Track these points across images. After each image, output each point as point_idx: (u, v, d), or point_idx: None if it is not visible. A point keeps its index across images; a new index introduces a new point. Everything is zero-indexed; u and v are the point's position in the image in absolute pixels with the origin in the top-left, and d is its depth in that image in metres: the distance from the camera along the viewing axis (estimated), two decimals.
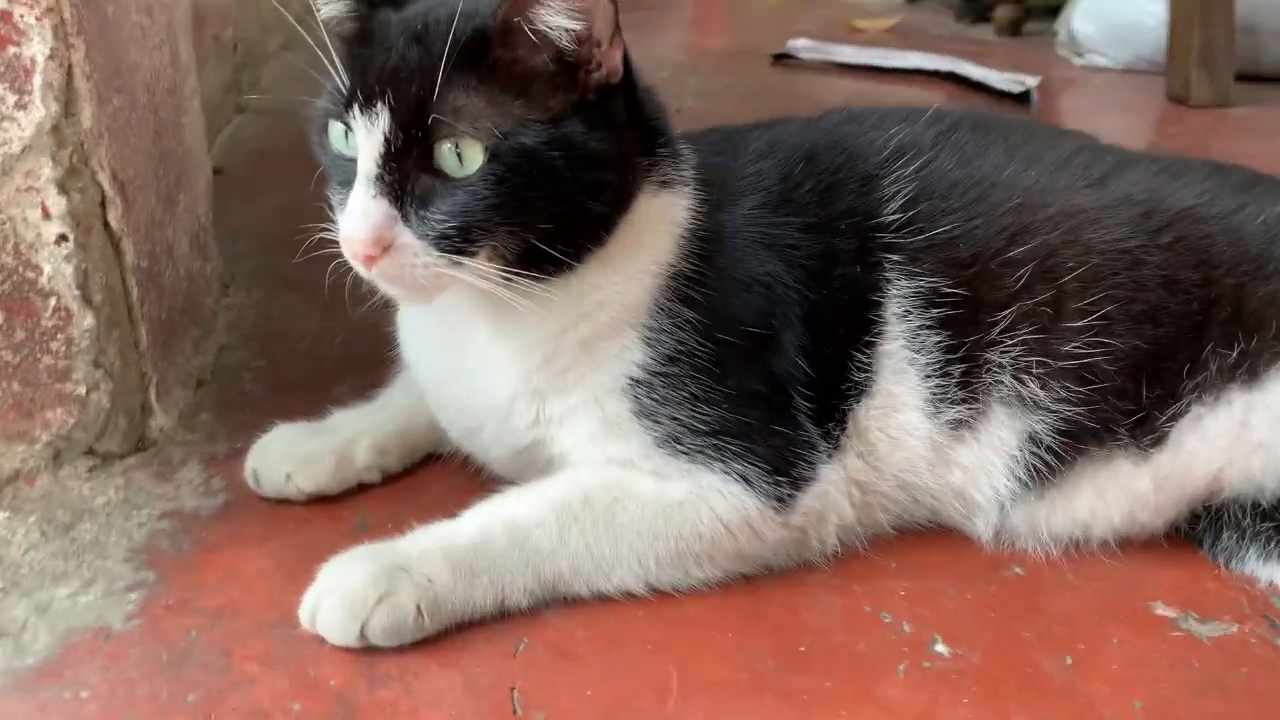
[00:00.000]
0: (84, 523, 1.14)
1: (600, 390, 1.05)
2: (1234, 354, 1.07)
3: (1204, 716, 0.93)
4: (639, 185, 1.05)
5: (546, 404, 1.07)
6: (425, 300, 1.04)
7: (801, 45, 3.57)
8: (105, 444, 1.23)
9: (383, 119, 0.94)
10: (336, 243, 0.99)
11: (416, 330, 1.18)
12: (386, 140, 0.94)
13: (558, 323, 1.04)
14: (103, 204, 1.17)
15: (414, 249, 0.95)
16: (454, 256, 0.95)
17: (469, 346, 1.09)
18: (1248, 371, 1.07)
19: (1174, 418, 1.08)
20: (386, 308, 1.23)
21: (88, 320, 1.16)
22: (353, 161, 0.97)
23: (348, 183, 0.98)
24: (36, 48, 1.05)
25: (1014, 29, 4.09)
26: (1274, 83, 3.14)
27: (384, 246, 0.94)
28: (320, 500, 1.19)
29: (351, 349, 1.52)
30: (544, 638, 1.00)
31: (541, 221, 0.97)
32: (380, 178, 0.95)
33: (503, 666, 0.96)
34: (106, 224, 1.18)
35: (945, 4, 4.63)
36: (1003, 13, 4.09)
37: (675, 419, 1.05)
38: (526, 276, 0.98)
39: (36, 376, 1.17)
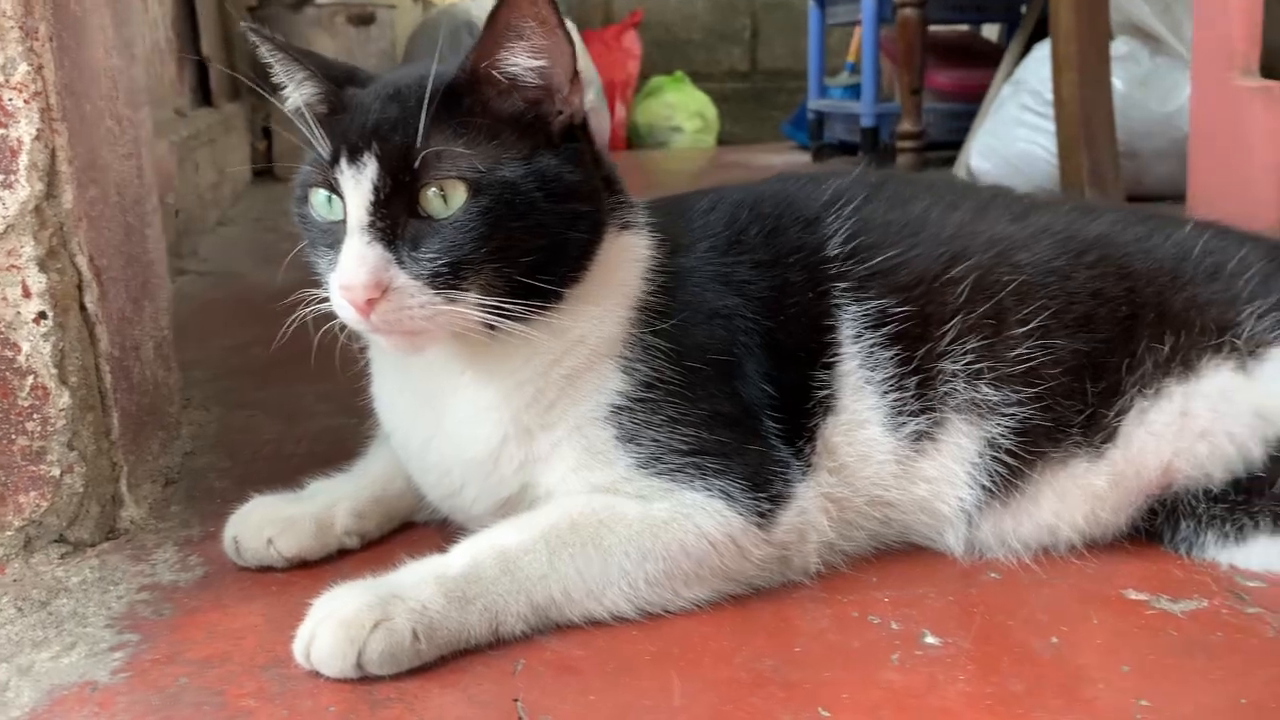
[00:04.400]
0: (60, 599, 1.12)
1: (583, 420, 1.09)
2: (1166, 348, 1.15)
3: (1189, 671, 0.96)
4: (607, 223, 1.11)
5: (534, 442, 1.10)
6: (417, 348, 1.07)
7: None
8: (77, 531, 1.22)
9: (370, 169, 1.00)
10: (324, 311, 1.04)
11: (393, 397, 1.21)
12: (375, 188, 1.00)
13: (543, 359, 1.09)
14: (80, 287, 1.20)
15: (410, 289, 0.99)
16: (449, 293, 1.00)
17: (451, 403, 1.13)
18: (1182, 364, 1.15)
19: (1120, 413, 1.15)
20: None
21: (64, 399, 1.17)
22: (337, 224, 1.03)
23: (333, 245, 1.03)
24: (24, 129, 1.10)
25: (917, 172, 4.36)
26: (1160, 200, 3.38)
27: (382, 289, 0.99)
28: (301, 566, 1.18)
29: (315, 447, 1.55)
30: (541, 657, 1.00)
31: (526, 253, 1.02)
32: (372, 225, 1.00)
33: (503, 683, 0.96)
34: (83, 307, 1.21)
35: (850, 160, 4.94)
36: (905, 160, 4.37)
37: (655, 441, 1.08)
38: (519, 307, 1.02)
39: (11, 458, 1.17)
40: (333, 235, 1.03)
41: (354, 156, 1.00)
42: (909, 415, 1.15)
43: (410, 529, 1.28)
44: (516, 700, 0.93)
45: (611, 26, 6.70)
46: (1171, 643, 1.01)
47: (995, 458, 1.15)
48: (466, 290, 1.00)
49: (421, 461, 1.18)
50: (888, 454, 1.15)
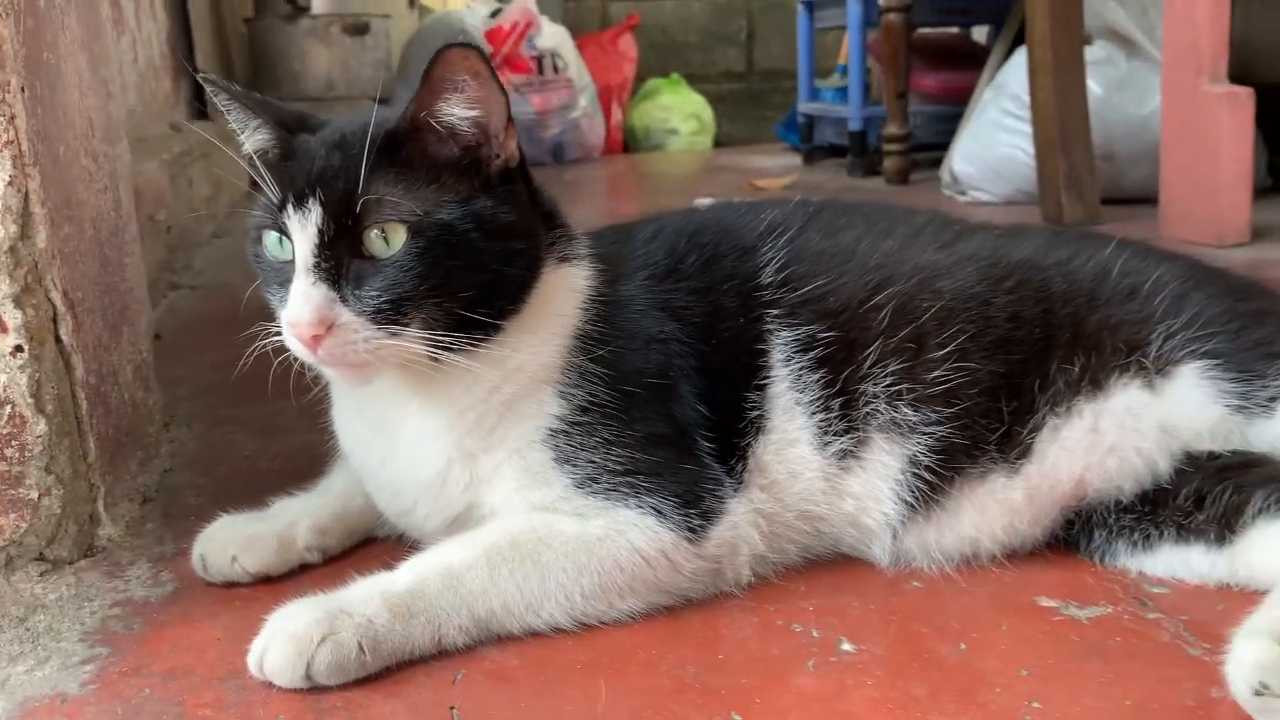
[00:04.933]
0: (37, 615, 1.20)
1: (522, 443, 1.16)
2: (1076, 369, 1.22)
3: (1083, 675, 1.03)
4: (544, 258, 1.18)
5: (477, 464, 1.18)
6: (365, 380, 1.14)
7: (706, 203, 3.82)
8: (56, 550, 1.30)
9: (315, 214, 1.07)
10: (280, 342, 1.11)
11: (350, 421, 1.28)
12: (320, 231, 1.07)
13: (484, 387, 1.16)
14: (54, 320, 1.27)
15: (354, 325, 1.07)
16: (391, 328, 1.07)
17: (401, 429, 1.20)
18: (1091, 383, 1.22)
19: (1034, 430, 1.21)
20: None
21: (41, 427, 1.25)
22: (287, 263, 1.11)
23: (285, 283, 1.10)
24: None
25: (902, 177, 4.43)
26: (1137, 203, 3.44)
27: (327, 326, 1.06)
28: (265, 581, 1.26)
29: (289, 464, 1.61)
30: (480, 667, 1.07)
31: (464, 289, 1.10)
32: (317, 265, 1.08)
33: (442, 692, 1.03)
34: (58, 339, 1.28)
35: (839, 163, 5.00)
36: (891, 163, 4.43)
37: (591, 462, 1.15)
38: (460, 339, 1.10)
39: None
40: (284, 274, 1.10)
41: (300, 202, 1.07)
42: (835, 435, 1.22)
43: (371, 544, 1.35)
44: (453, 708, 1.00)
45: (608, 30, 6.77)
46: (1072, 648, 1.08)
47: (916, 474, 1.21)
48: (408, 325, 1.08)
49: (377, 482, 1.25)
50: (816, 471, 1.22)
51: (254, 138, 1.18)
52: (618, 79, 6.52)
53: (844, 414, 1.22)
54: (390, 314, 1.07)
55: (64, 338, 1.29)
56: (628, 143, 6.57)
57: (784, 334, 1.24)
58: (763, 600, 1.18)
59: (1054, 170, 3.35)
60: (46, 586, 1.26)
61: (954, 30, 5.39)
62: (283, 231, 1.09)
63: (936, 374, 1.21)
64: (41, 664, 1.10)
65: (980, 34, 5.42)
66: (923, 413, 1.20)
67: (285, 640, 1.03)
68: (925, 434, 1.21)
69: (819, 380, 1.22)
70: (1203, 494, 1.18)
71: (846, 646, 1.09)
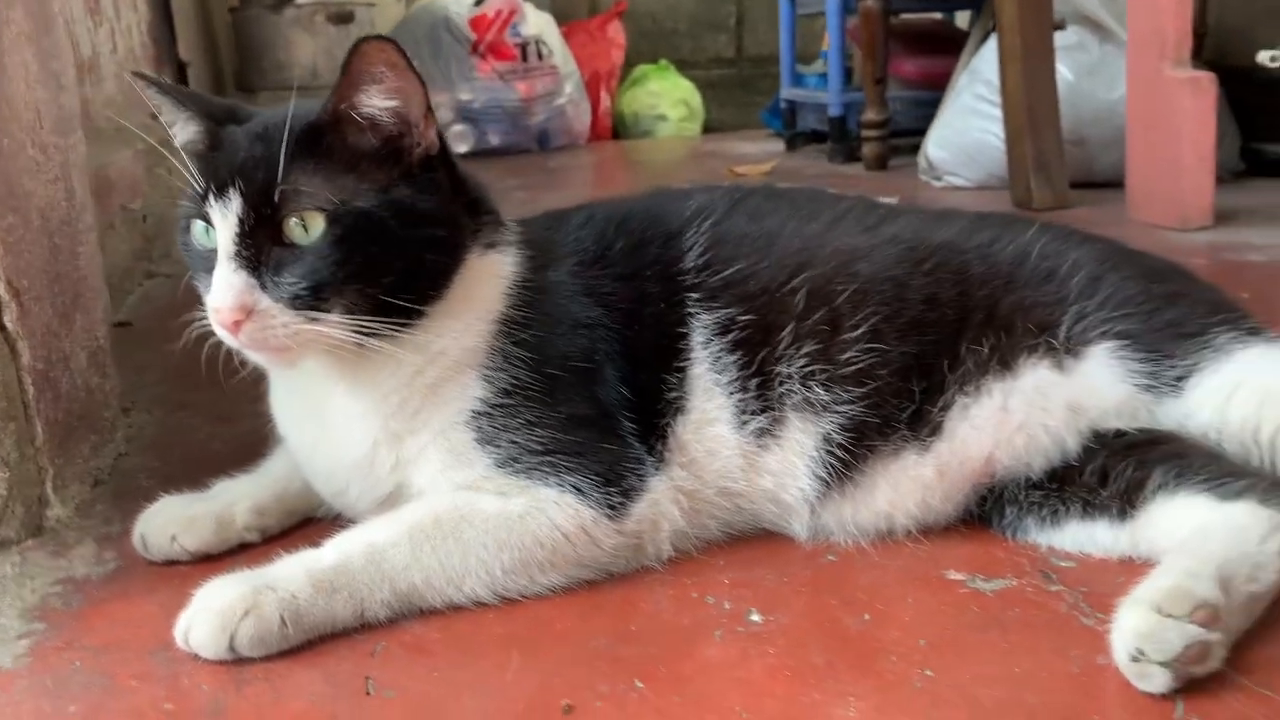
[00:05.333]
0: None
1: (446, 425, 1.20)
2: (986, 349, 1.25)
3: (979, 645, 1.07)
4: (468, 244, 1.22)
5: (404, 445, 1.22)
6: (289, 363, 1.18)
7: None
8: (2, 530, 1.33)
9: (235, 203, 1.11)
10: (209, 328, 1.15)
11: (285, 405, 1.32)
12: (240, 220, 1.11)
13: (408, 370, 1.19)
14: None
15: (273, 311, 1.11)
16: (310, 314, 1.11)
17: (330, 412, 1.24)
18: (1000, 363, 1.25)
19: (944, 408, 1.25)
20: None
21: None
22: (212, 251, 1.14)
23: (210, 270, 1.14)
24: None
25: (881, 163, 4.45)
26: (1107, 187, 3.46)
27: (247, 311, 1.10)
28: (205, 560, 1.30)
29: (241, 449, 1.64)
30: (401, 640, 1.11)
31: (384, 275, 1.13)
32: (238, 254, 1.11)
33: (361, 663, 1.07)
34: (3, 326, 1.32)
35: (821, 149, 5.02)
36: (870, 149, 4.46)
37: (513, 443, 1.19)
38: (381, 324, 1.13)
39: None
40: (209, 262, 1.14)
41: (221, 192, 1.11)
42: (752, 414, 1.26)
43: (311, 524, 1.39)
44: (368, 679, 1.05)
45: (596, 17, 6.77)
46: (973, 619, 1.12)
47: (831, 452, 1.25)
48: (328, 311, 1.11)
49: (311, 463, 1.29)
50: (734, 449, 1.26)
51: (184, 130, 1.21)
52: (606, 66, 6.52)
53: (760, 394, 1.25)
54: (309, 300, 1.10)
55: (8, 325, 1.33)
56: (617, 129, 6.58)
57: (704, 317, 1.27)
58: (681, 574, 1.22)
59: (1023, 155, 3.38)
60: None
61: (936, 16, 5.40)
62: (206, 220, 1.13)
63: (849, 355, 1.25)
64: None
65: (963, 20, 5.43)
66: (835, 392, 1.24)
67: (209, 614, 1.07)
68: (838, 413, 1.24)
69: (737, 361, 1.26)
70: (1107, 471, 1.22)
71: (755, 617, 1.13)
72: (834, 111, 4.70)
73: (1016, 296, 1.29)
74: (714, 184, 1.43)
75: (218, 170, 1.13)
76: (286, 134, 1.10)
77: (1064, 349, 1.25)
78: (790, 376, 1.25)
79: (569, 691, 1.01)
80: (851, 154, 4.66)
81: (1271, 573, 1.06)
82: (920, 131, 4.42)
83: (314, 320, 1.11)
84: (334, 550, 1.15)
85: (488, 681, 1.03)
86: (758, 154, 5.10)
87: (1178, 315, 1.29)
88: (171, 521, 1.30)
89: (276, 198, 1.10)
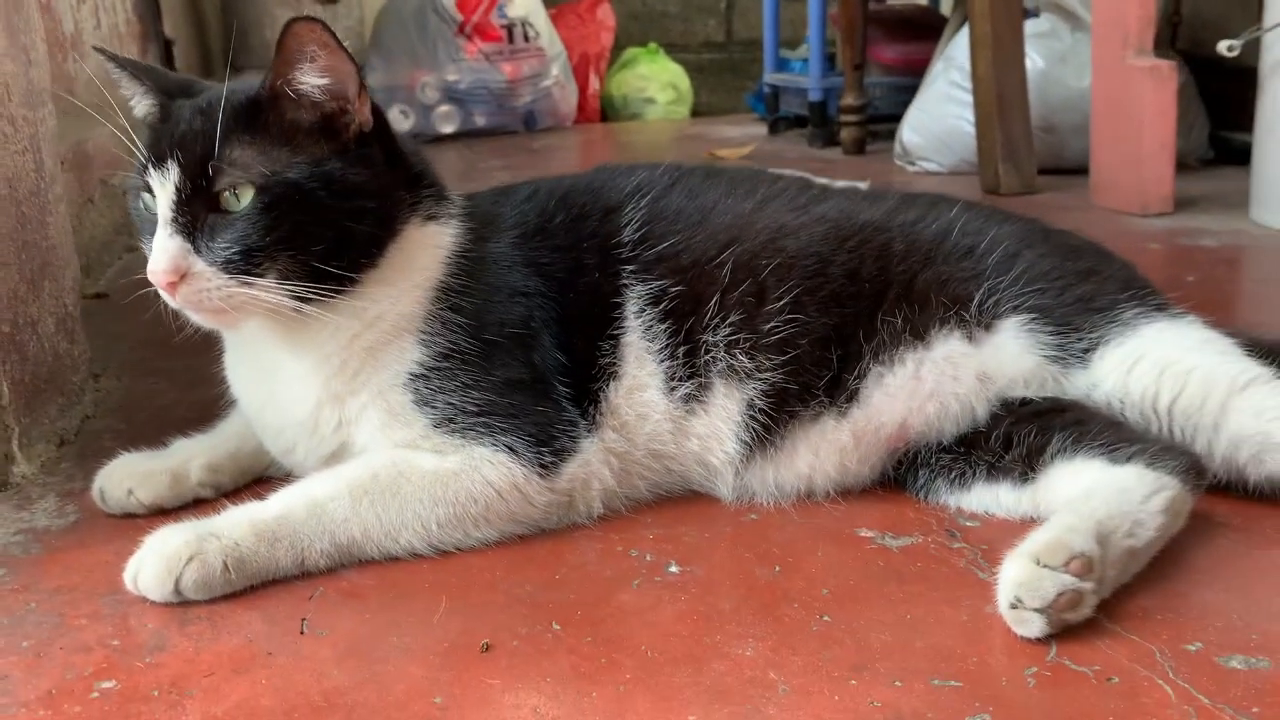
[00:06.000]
0: None
1: (384, 386, 1.27)
2: (899, 321, 1.32)
3: (878, 595, 1.14)
4: (403, 216, 1.28)
5: (345, 406, 1.28)
6: (229, 325, 1.26)
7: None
8: None
9: (173, 173, 1.18)
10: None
11: (237, 366, 1.39)
12: (177, 189, 1.18)
13: (346, 334, 1.26)
14: None
15: (207, 274, 1.18)
16: (242, 277, 1.18)
17: (277, 373, 1.31)
18: (913, 334, 1.32)
19: (860, 376, 1.32)
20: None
21: None
22: (155, 218, 1.21)
23: (153, 235, 1.20)
24: None
25: (859, 147, 4.51)
26: (1076, 173, 3.52)
27: (181, 274, 1.17)
28: (160, 513, 1.36)
29: (203, 413, 1.70)
30: (338, 586, 1.18)
31: (313, 243, 1.20)
32: (175, 220, 1.18)
33: (298, 606, 1.14)
34: None
35: (801, 133, 5.07)
36: (848, 134, 4.51)
37: (449, 404, 1.26)
38: (312, 291, 1.20)
39: None
40: (153, 227, 1.21)
41: (160, 162, 1.18)
42: (680, 380, 1.32)
43: (267, 483, 1.45)
44: (304, 620, 1.12)
45: (586, 0, 6.82)
46: (876, 571, 1.19)
47: (754, 417, 1.32)
48: (261, 275, 1.18)
49: (261, 422, 1.36)
50: (663, 414, 1.33)
51: (141, 104, 1.28)
52: (595, 48, 6.56)
53: (688, 361, 1.32)
54: (240, 264, 1.17)
55: None
56: (605, 111, 6.62)
57: (638, 288, 1.34)
58: (610, 530, 1.29)
59: (992, 141, 3.43)
60: None
61: (922, 2, 5.45)
62: (149, 189, 1.20)
63: (772, 325, 1.31)
64: None
65: (948, 7, 5.47)
66: (758, 360, 1.31)
67: (156, 559, 1.14)
68: (761, 379, 1.31)
69: (667, 330, 1.33)
70: (1011, 436, 1.29)
71: (673, 569, 1.20)
72: (814, 96, 4.75)
73: (933, 271, 1.35)
74: (657, 163, 1.48)
75: (159, 142, 1.20)
76: (222, 109, 1.17)
77: (975, 321, 1.32)
78: (716, 344, 1.31)
79: (490, 633, 1.08)
80: (831, 138, 4.71)
81: (1150, 530, 1.13)
82: (900, 117, 4.48)
83: (247, 285, 1.18)
84: (277, 502, 1.22)
85: (415, 623, 1.11)
86: (740, 137, 5.16)
87: (1089, 291, 1.35)
88: (129, 476, 1.36)
89: (210, 170, 1.17)
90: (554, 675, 1.01)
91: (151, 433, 1.61)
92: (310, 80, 1.19)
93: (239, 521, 1.18)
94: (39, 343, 1.58)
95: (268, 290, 1.18)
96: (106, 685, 1.01)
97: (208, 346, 1.39)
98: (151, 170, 1.18)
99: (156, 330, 1.30)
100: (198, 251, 1.17)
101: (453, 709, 0.96)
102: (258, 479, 1.45)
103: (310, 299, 1.20)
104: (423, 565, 1.22)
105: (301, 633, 1.09)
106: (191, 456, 1.40)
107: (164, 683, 1.01)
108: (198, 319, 1.23)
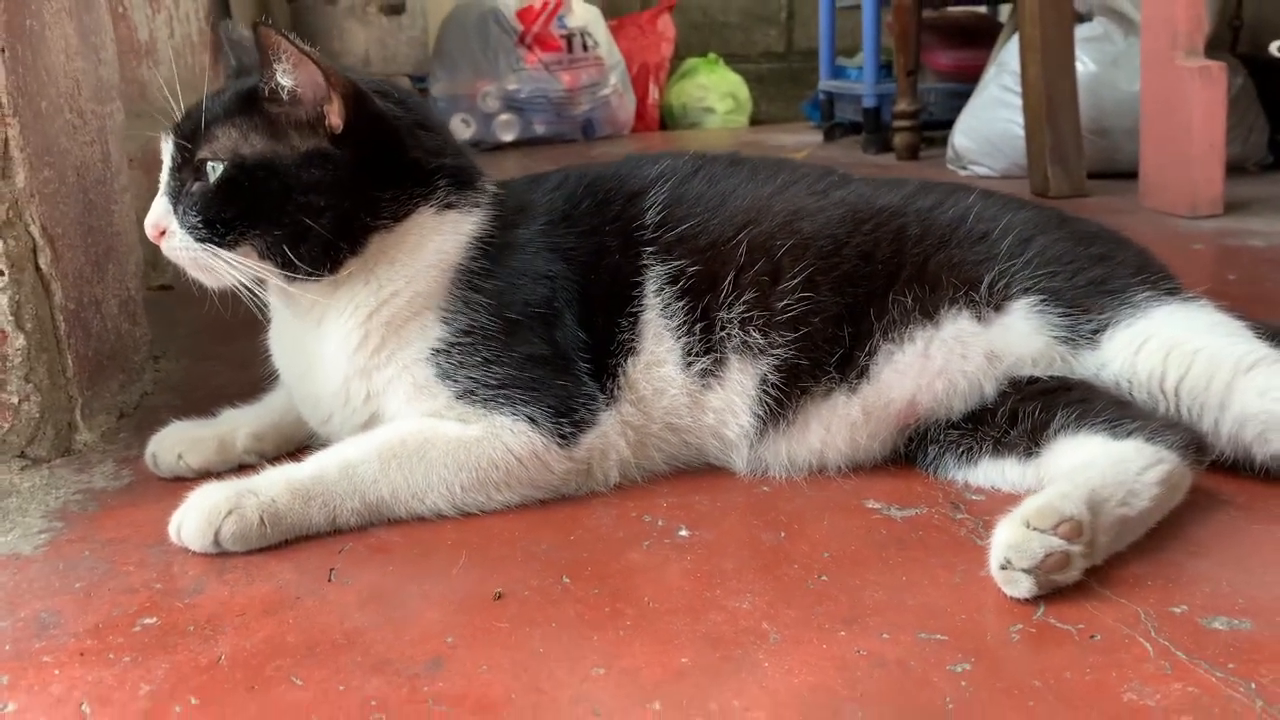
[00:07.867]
0: (11, 498, 1.41)
1: (409, 360, 1.34)
2: (910, 300, 1.36)
3: (877, 559, 1.18)
4: (401, 208, 1.35)
5: (372, 379, 1.36)
6: (214, 281, 1.35)
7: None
8: (35, 449, 1.51)
9: (170, 145, 1.32)
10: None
11: (279, 340, 1.48)
12: (173, 159, 1.32)
13: (364, 310, 1.35)
14: (34, 250, 1.48)
15: (178, 235, 1.32)
16: (209, 245, 1.30)
17: (313, 347, 1.39)
18: (923, 314, 1.36)
19: (871, 354, 1.36)
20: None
21: (20, 341, 1.46)
22: None
23: None
24: None
25: (912, 153, 4.52)
26: (1128, 177, 3.51)
27: (161, 230, 1.32)
28: (207, 477, 1.45)
29: (256, 393, 1.80)
30: (366, 542, 1.26)
31: (273, 228, 1.30)
32: (169, 183, 1.33)
33: (328, 559, 1.22)
34: (38, 267, 1.49)
35: (856, 140, 5.10)
36: (901, 139, 4.53)
37: (471, 378, 1.33)
38: (284, 275, 1.31)
39: None
40: None
41: (167, 135, 1.33)
42: (697, 356, 1.38)
43: (305, 451, 1.53)
44: (332, 569, 1.19)
45: (646, 11, 6.91)
46: (878, 539, 1.23)
47: (767, 392, 1.37)
48: (231, 247, 1.29)
49: (300, 393, 1.45)
50: (680, 388, 1.39)
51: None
52: (655, 58, 6.66)
53: (704, 338, 1.38)
54: (204, 232, 1.29)
55: (43, 267, 1.50)
56: (665, 120, 6.70)
57: (658, 268, 1.40)
58: (626, 498, 1.35)
59: (1041, 144, 3.44)
60: (23, 477, 1.47)
61: (981, 10, 5.44)
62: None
63: (785, 303, 1.36)
64: (6, 533, 1.31)
65: (1006, 14, 5.46)
66: (771, 336, 1.36)
67: (198, 513, 1.22)
68: (773, 355, 1.36)
69: (684, 308, 1.38)
70: (1017, 412, 1.32)
71: (683, 533, 1.26)
72: (868, 103, 4.78)
73: (946, 254, 1.39)
74: (682, 151, 1.54)
75: (177, 119, 1.34)
76: (227, 95, 1.32)
77: (984, 302, 1.36)
78: (731, 321, 1.37)
79: (504, 584, 1.15)
80: (885, 144, 4.74)
81: (1145, 500, 1.16)
82: (953, 123, 4.49)
83: (212, 252, 1.29)
84: (312, 464, 1.30)
85: (435, 575, 1.17)
86: (795, 144, 5.20)
87: (1100, 274, 1.38)
88: (179, 442, 1.46)
89: (191, 144, 1.30)
90: (559, 621, 1.07)
91: (205, 410, 1.70)
92: (282, 81, 1.30)
93: (276, 480, 1.27)
94: (102, 322, 1.68)
95: (231, 264, 1.30)
96: (148, 621, 1.10)
97: (261, 330, 1.48)
98: (164, 138, 1.33)
99: (215, 318, 1.39)
100: (176, 213, 1.31)
101: (461, 646, 1.03)
102: (299, 447, 1.54)
103: (293, 279, 1.31)
104: (446, 525, 1.29)
105: (329, 581, 1.17)
106: (238, 425, 1.49)
107: (200, 620, 1.09)
108: (190, 272, 1.34)
